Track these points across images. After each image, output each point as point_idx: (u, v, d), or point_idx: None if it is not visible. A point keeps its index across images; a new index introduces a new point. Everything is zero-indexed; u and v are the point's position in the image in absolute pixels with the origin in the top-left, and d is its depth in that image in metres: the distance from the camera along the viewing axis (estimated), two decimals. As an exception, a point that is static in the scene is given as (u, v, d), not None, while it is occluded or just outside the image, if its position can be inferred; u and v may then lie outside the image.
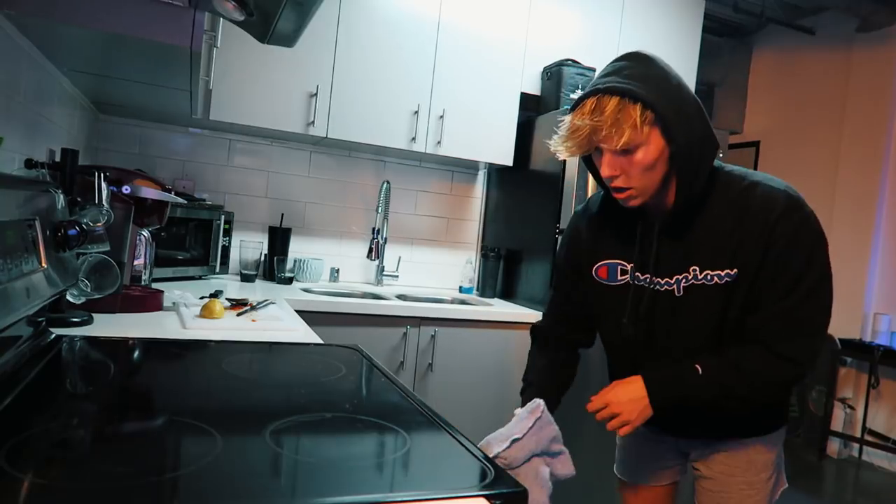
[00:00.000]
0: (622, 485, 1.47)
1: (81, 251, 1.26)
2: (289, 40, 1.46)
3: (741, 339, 1.15)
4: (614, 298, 1.25)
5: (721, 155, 2.00)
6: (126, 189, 1.60)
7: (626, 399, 1.16)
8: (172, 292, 1.88)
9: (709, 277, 1.14)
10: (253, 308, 1.79)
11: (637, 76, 1.07)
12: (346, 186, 3.04)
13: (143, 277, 1.83)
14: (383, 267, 3.02)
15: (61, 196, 1.21)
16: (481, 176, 3.29)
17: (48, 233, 1.09)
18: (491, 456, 1.06)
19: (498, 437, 1.10)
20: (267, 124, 2.52)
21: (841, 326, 3.98)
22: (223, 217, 2.66)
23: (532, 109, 2.98)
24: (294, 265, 2.82)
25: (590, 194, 2.12)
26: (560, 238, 2.55)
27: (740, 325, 1.14)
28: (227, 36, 2.21)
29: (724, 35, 4.69)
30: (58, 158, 1.39)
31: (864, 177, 4.11)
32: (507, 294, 2.95)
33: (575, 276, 1.33)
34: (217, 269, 2.67)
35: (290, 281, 2.76)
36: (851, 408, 4.08)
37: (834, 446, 4.08)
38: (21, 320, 0.98)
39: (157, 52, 1.36)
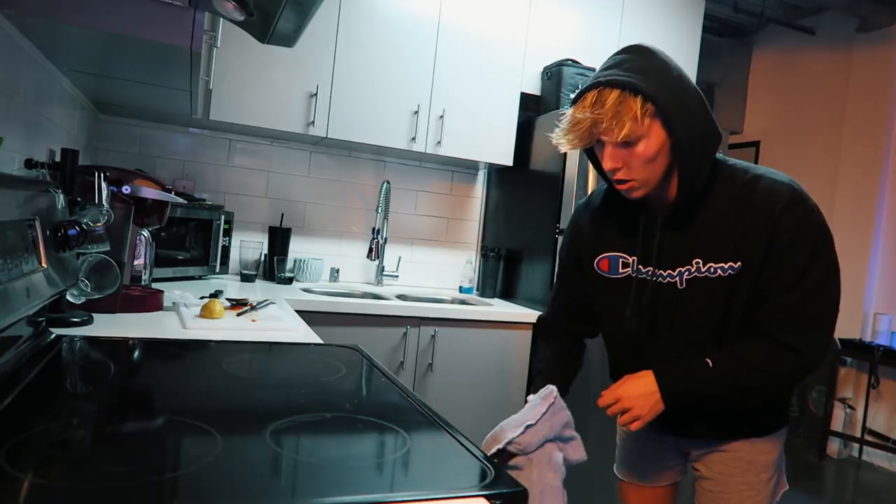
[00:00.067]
0: (622, 485, 1.47)
1: (81, 251, 1.26)
2: (289, 40, 1.46)
3: (746, 333, 1.15)
4: (616, 291, 1.25)
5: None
6: (126, 189, 1.60)
7: (637, 394, 1.16)
8: (172, 292, 1.88)
9: (712, 270, 1.14)
10: (253, 308, 1.79)
11: (638, 69, 1.07)
12: (346, 186, 3.04)
13: (143, 277, 1.83)
14: (383, 267, 3.02)
15: (61, 196, 1.21)
16: (481, 176, 3.29)
17: (48, 233, 1.09)
18: (505, 441, 1.09)
19: (512, 422, 1.12)
20: (267, 124, 2.52)
21: (841, 326, 3.94)
22: (223, 217, 2.66)
23: (532, 109, 2.98)
24: (294, 265, 2.82)
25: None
26: (560, 237, 2.56)
27: (744, 320, 1.14)
28: (227, 36, 2.21)
29: (724, 35, 4.69)
30: (58, 158, 1.39)
31: (864, 177, 4.11)
32: (507, 294, 2.95)
33: (576, 270, 1.34)
34: (217, 269, 2.67)
35: (290, 281, 2.76)
36: (851, 408, 4.08)
37: (834, 446, 4.08)
38: (21, 320, 0.98)
39: (158, 52, 1.36)
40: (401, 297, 2.75)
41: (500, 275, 2.99)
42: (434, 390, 2.49)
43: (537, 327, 1.46)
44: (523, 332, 2.60)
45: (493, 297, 2.98)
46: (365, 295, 2.72)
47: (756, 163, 4.69)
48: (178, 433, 0.83)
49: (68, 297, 1.31)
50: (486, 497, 0.68)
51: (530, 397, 1.22)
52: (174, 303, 1.76)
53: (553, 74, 2.84)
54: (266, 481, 0.70)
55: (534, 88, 2.92)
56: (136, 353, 1.26)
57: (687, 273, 1.16)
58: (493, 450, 1.10)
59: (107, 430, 0.85)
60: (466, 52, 2.78)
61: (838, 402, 4.10)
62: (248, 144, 2.88)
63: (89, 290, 1.32)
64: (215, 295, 1.99)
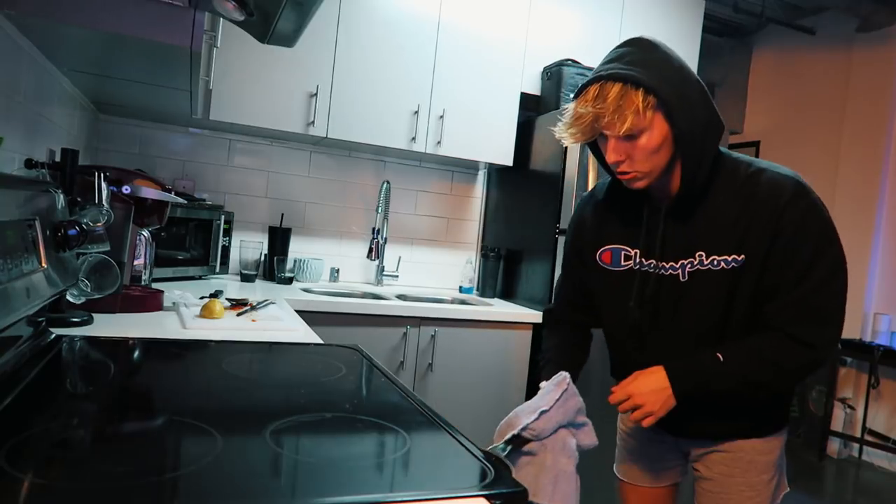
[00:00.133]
0: (622, 485, 1.47)
1: (81, 251, 1.26)
2: (289, 40, 1.46)
3: (751, 327, 1.15)
4: (617, 284, 1.25)
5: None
6: (126, 189, 1.60)
7: (649, 390, 1.16)
8: (172, 292, 1.88)
9: (715, 263, 1.14)
10: (253, 308, 1.79)
11: (639, 61, 1.07)
12: (346, 186, 3.04)
13: (143, 277, 1.83)
14: (383, 267, 3.02)
15: (61, 196, 1.21)
16: (481, 176, 3.29)
17: (48, 233, 1.09)
18: (520, 427, 1.10)
19: (526, 409, 1.14)
20: (267, 124, 2.52)
21: (841, 326, 3.97)
22: (223, 217, 2.66)
23: (532, 109, 2.98)
24: (294, 265, 2.82)
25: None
26: (560, 237, 2.57)
27: (748, 313, 1.15)
28: (227, 36, 2.21)
29: (724, 35, 4.69)
30: (58, 158, 1.39)
31: (864, 177, 4.11)
32: (507, 294, 2.95)
33: (579, 262, 1.35)
34: (217, 269, 2.67)
35: (290, 281, 2.76)
36: (851, 408, 4.08)
37: (834, 446, 4.08)
38: (21, 320, 0.98)
39: (157, 52, 1.36)
40: (401, 297, 2.75)
41: (500, 275, 2.99)
42: (434, 390, 2.49)
43: (544, 317, 1.48)
44: (523, 332, 2.60)
45: (493, 297, 2.98)
46: (365, 295, 2.72)
47: (756, 163, 4.72)
48: (178, 433, 0.83)
49: (68, 297, 1.31)
50: (486, 497, 0.68)
51: (543, 384, 1.23)
52: (174, 303, 1.76)
53: (553, 74, 2.84)
54: (266, 481, 0.70)
55: (534, 88, 2.92)
56: (136, 353, 1.26)
57: (689, 266, 1.16)
58: (508, 435, 1.12)
59: (107, 430, 0.85)
60: (466, 52, 2.79)
61: (838, 402, 4.10)
62: (248, 144, 2.88)
63: (89, 290, 1.32)
64: (215, 295, 1.99)
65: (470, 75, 2.80)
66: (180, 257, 2.49)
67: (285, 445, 0.81)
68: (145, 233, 1.80)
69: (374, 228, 2.91)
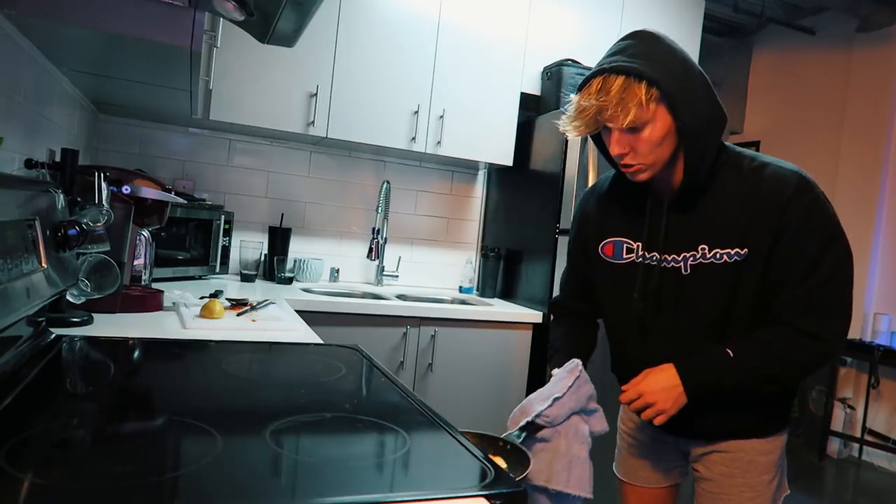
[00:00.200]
0: (622, 485, 1.47)
1: (81, 251, 1.26)
2: (289, 40, 1.46)
3: (753, 322, 1.15)
4: (619, 277, 1.26)
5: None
6: (126, 189, 1.60)
7: (660, 388, 1.16)
8: (172, 292, 1.88)
9: (717, 256, 1.14)
10: (253, 308, 1.79)
11: (642, 54, 1.08)
12: (346, 186, 3.04)
13: (143, 277, 1.83)
14: (383, 267, 3.02)
15: (61, 196, 1.21)
16: (481, 176, 3.29)
17: (48, 233, 1.09)
18: (534, 414, 1.13)
19: (539, 396, 1.16)
20: (267, 124, 2.52)
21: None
22: (223, 217, 2.66)
23: (532, 109, 2.98)
24: (294, 265, 2.83)
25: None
26: (560, 237, 2.57)
27: (751, 308, 1.15)
28: (227, 36, 2.21)
29: (724, 35, 4.69)
30: (58, 158, 1.39)
31: (864, 177, 4.11)
32: (507, 294, 2.95)
33: (582, 255, 1.36)
34: (217, 269, 2.67)
35: (290, 281, 2.76)
36: (851, 408, 4.08)
37: (834, 446, 4.08)
38: (21, 320, 0.98)
39: (157, 52, 1.36)
40: (401, 297, 2.75)
41: (500, 275, 2.99)
42: (434, 390, 2.49)
43: (550, 309, 1.51)
44: (523, 332, 2.60)
45: (493, 297, 2.98)
46: (365, 295, 2.72)
47: (756, 163, 4.72)
48: (179, 433, 0.83)
49: (68, 297, 1.31)
50: (486, 497, 0.68)
51: (555, 371, 1.24)
52: (174, 303, 1.76)
53: (553, 74, 2.84)
54: (266, 481, 0.70)
55: (534, 88, 2.92)
56: (136, 353, 1.26)
57: (692, 259, 1.16)
58: (523, 422, 1.13)
59: (107, 430, 0.85)
60: (466, 52, 2.79)
61: (838, 402, 4.10)
62: (248, 144, 2.88)
63: (89, 290, 1.32)
64: (215, 295, 1.99)
65: (470, 75, 2.80)
66: (180, 257, 2.49)
67: (285, 445, 0.81)
68: (145, 233, 1.80)
69: (374, 228, 2.91)
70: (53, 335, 1.21)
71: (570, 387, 1.16)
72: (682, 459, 1.38)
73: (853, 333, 4.03)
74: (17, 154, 1.46)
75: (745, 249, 1.12)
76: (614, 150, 1.13)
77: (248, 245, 2.73)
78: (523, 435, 1.16)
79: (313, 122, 2.56)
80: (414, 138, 2.72)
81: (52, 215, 1.13)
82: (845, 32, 4.18)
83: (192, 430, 0.82)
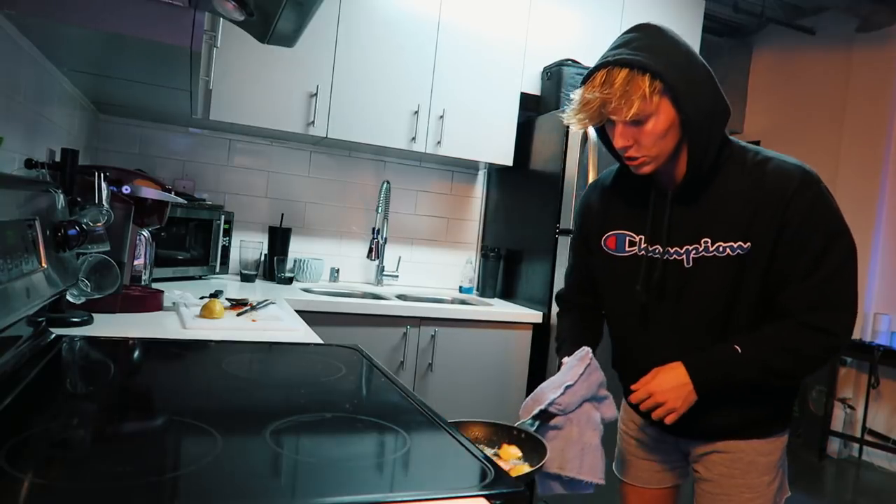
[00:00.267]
0: (623, 485, 1.47)
1: (81, 251, 1.26)
2: (289, 40, 1.46)
3: (755, 316, 1.15)
4: (621, 270, 1.26)
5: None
6: (126, 189, 1.60)
7: (670, 386, 1.16)
8: (172, 292, 1.88)
9: (720, 249, 1.14)
10: (253, 308, 1.79)
11: (646, 47, 1.09)
12: (346, 186, 3.04)
13: (143, 277, 1.83)
14: (383, 267, 3.02)
15: (61, 196, 1.21)
16: (481, 176, 3.29)
17: (48, 233, 1.09)
18: (547, 402, 1.14)
19: (551, 384, 1.17)
20: (267, 124, 2.52)
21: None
22: (223, 217, 2.66)
23: (532, 109, 2.98)
24: (294, 265, 2.83)
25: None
26: (560, 237, 2.56)
27: (753, 302, 1.15)
28: (227, 36, 2.21)
29: (724, 35, 4.69)
30: (58, 158, 1.39)
31: (864, 177, 4.11)
32: (507, 294, 2.95)
33: (585, 248, 1.36)
34: (217, 269, 2.67)
35: (290, 281, 2.76)
36: (851, 408, 4.08)
37: (834, 446, 4.08)
38: (21, 320, 0.98)
39: (157, 52, 1.36)
40: (401, 297, 2.75)
41: (500, 275, 2.99)
42: (434, 390, 2.49)
43: (556, 302, 1.53)
44: (523, 332, 2.60)
45: (493, 297, 2.98)
46: (365, 295, 2.72)
47: (756, 163, 4.72)
48: (178, 433, 0.83)
49: (68, 297, 1.31)
50: (486, 497, 0.68)
51: (565, 359, 1.25)
52: (174, 303, 1.76)
53: (553, 74, 2.84)
54: (266, 481, 0.70)
55: (534, 88, 2.92)
56: (136, 353, 1.26)
57: (694, 252, 1.17)
58: (536, 410, 1.14)
59: (107, 430, 0.85)
60: (466, 52, 2.79)
61: (838, 402, 4.10)
62: (248, 144, 2.88)
63: (89, 290, 1.32)
64: (215, 295, 1.99)
65: (470, 75, 2.80)
66: (180, 257, 2.49)
67: (285, 445, 0.81)
68: (145, 233, 1.80)
69: (374, 228, 2.91)
70: (53, 335, 1.21)
71: (582, 374, 1.17)
72: (682, 460, 1.38)
73: (853, 333, 4.03)
74: (17, 154, 1.46)
75: (748, 243, 1.12)
76: (618, 142, 1.13)
77: (248, 245, 2.73)
78: (536, 423, 1.16)
79: (313, 122, 2.56)
80: (414, 138, 2.72)
81: (52, 215, 1.13)
82: (845, 32, 4.18)
83: (192, 430, 0.82)
